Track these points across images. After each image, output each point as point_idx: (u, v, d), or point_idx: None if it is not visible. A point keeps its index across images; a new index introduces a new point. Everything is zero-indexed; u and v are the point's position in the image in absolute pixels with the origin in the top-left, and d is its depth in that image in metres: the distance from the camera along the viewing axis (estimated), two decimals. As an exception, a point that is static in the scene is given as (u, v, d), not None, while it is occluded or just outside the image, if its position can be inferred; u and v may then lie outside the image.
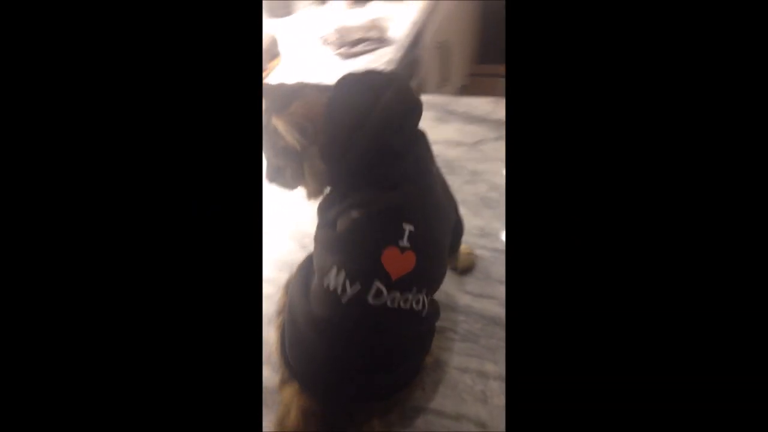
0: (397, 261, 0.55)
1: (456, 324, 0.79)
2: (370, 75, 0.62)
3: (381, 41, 1.69)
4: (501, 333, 0.77)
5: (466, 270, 0.86)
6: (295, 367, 0.61)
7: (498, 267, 0.89)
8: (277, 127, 0.60)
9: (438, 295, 0.69)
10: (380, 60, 1.60)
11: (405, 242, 0.55)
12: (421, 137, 0.63)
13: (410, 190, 0.58)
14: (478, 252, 0.91)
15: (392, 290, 0.55)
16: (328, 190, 0.64)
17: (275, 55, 1.74)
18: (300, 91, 0.61)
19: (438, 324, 0.68)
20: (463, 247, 0.84)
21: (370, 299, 0.55)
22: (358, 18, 1.84)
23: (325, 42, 1.72)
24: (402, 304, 0.56)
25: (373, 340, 0.56)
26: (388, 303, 0.55)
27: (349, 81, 0.61)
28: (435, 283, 0.61)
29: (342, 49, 1.66)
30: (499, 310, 0.81)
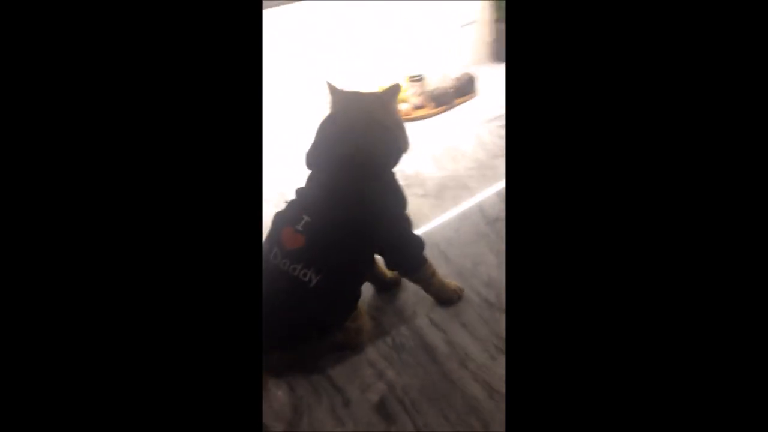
0: (290, 238, 0.81)
1: (397, 333, 0.91)
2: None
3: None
4: (417, 359, 0.86)
5: (446, 301, 0.96)
6: None
7: (472, 315, 0.93)
8: None
9: (399, 304, 0.95)
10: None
11: (299, 227, 0.80)
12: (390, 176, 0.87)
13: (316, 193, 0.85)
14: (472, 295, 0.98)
15: (284, 257, 0.80)
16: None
17: (470, 92, 1.94)
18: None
19: (376, 326, 0.91)
20: (453, 282, 0.97)
21: (271, 258, 0.81)
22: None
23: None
24: (290, 270, 0.79)
25: (271, 289, 0.76)
26: (280, 265, 0.80)
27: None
28: (326, 268, 0.79)
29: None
30: (440, 344, 0.88)
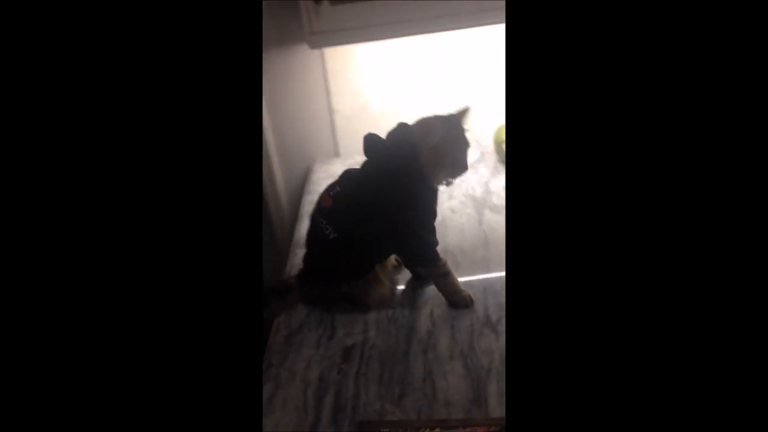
0: (325, 198, 1.05)
1: (400, 312, 1.08)
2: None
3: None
4: (398, 334, 1.01)
5: (455, 304, 1.07)
6: None
7: (462, 330, 1.02)
8: None
9: (422, 292, 1.12)
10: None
11: (332, 193, 1.03)
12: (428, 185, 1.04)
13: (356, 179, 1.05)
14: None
15: (319, 213, 1.04)
16: None
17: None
18: None
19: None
20: (467, 290, 1.07)
21: (313, 213, 1.07)
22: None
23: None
24: (320, 223, 1.03)
25: (307, 236, 1.09)
26: (315, 218, 1.06)
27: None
28: (342, 229, 1.00)
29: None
30: (422, 331, 1.01)
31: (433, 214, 1.05)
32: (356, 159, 1.07)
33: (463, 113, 1.04)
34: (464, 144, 1.04)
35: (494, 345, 0.96)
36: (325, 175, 1.60)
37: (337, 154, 1.76)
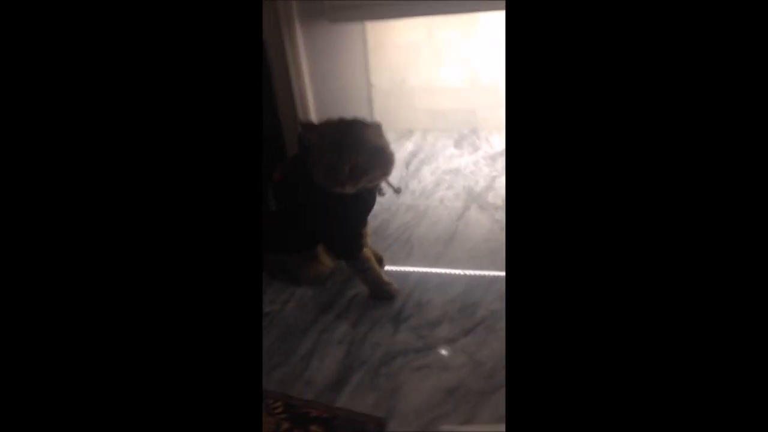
0: (277, 173, 1.06)
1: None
2: None
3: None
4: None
5: (377, 295, 1.09)
6: None
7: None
8: None
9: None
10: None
11: (284, 167, 1.06)
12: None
13: None
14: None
15: (270, 186, 1.06)
16: None
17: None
18: None
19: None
20: (391, 281, 1.09)
21: (266, 185, 1.07)
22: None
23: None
24: (267, 194, 1.05)
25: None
26: (268, 190, 1.07)
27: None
28: (288, 203, 1.05)
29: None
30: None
31: (359, 212, 1.05)
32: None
33: (363, 125, 0.96)
34: (343, 154, 0.93)
35: (387, 339, 0.97)
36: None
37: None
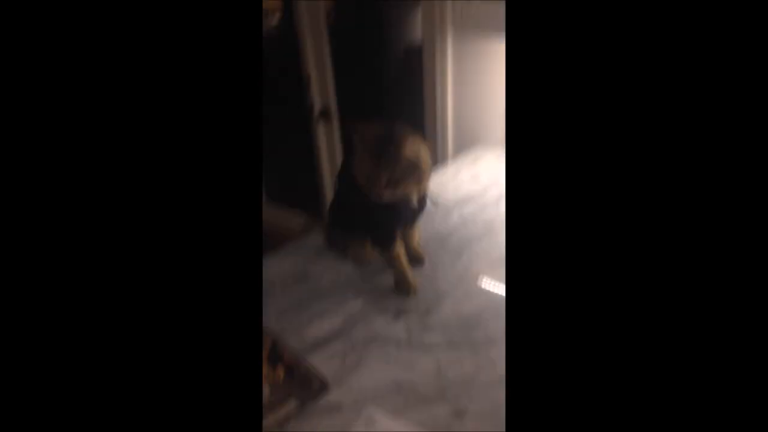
0: None
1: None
2: None
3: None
4: None
5: (398, 289, 1.17)
6: None
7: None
8: None
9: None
10: None
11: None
12: None
13: None
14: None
15: None
16: None
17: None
18: None
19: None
20: (415, 279, 1.16)
21: None
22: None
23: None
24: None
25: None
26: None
27: None
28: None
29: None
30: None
31: (394, 215, 1.11)
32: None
33: (402, 137, 1.00)
34: (381, 165, 0.98)
35: (382, 324, 1.04)
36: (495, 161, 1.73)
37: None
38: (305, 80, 2.32)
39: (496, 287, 1.15)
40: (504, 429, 0.55)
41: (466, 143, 1.94)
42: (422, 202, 1.15)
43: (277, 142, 2.53)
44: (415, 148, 1.01)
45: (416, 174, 1.02)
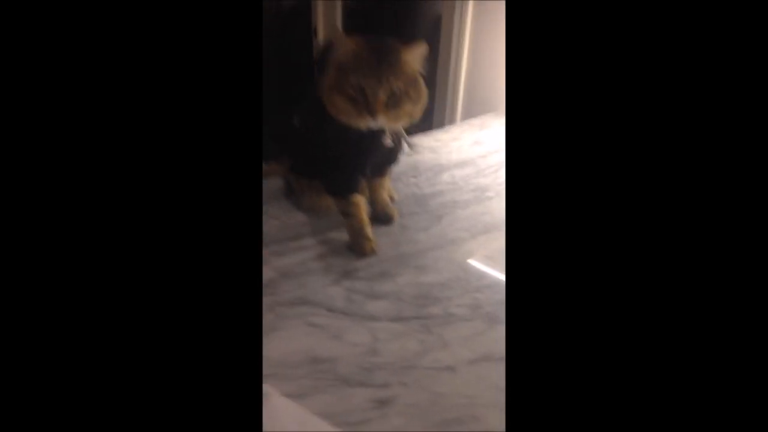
0: None
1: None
2: None
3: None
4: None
5: (351, 247, 0.96)
6: None
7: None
8: None
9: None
10: None
11: None
12: None
13: None
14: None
15: None
16: None
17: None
18: None
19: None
20: (372, 239, 0.94)
21: None
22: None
23: None
24: None
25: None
26: None
27: None
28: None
29: None
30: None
31: (363, 151, 0.91)
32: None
33: (404, 44, 0.81)
34: (382, 77, 0.80)
35: (319, 286, 0.83)
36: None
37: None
38: (312, 31, 2.16)
39: (474, 259, 0.92)
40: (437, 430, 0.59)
41: (476, 112, 1.73)
42: (397, 140, 0.93)
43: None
44: (417, 60, 0.84)
45: (415, 90, 0.83)
